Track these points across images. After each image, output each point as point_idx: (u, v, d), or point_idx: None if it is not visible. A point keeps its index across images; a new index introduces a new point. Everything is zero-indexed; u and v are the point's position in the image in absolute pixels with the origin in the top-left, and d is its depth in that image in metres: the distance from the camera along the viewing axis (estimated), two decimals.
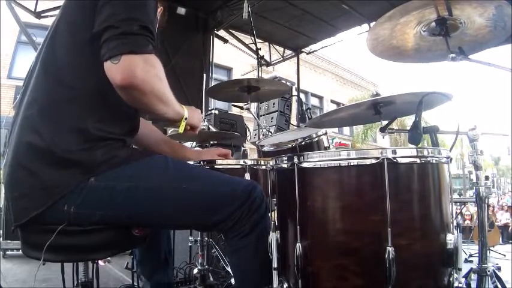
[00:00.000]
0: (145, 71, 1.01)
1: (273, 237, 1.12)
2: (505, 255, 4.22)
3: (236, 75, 12.41)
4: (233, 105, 2.68)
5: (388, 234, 0.93)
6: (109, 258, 1.20)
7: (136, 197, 1.10)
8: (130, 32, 0.99)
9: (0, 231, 3.90)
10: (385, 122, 1.28)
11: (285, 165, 1.14)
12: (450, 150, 1.12)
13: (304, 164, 1.06)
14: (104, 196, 1.06)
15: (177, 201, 1.14)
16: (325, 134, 1.97)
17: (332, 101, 18.68)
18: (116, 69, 0.98)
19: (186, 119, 1.22)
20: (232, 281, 1.82)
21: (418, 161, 1.02)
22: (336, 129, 18.18)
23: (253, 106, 4.02)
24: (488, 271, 1.26)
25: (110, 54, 0.98)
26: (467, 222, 7.39)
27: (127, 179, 1.09)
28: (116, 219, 1.11)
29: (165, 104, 1.12)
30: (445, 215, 1.04)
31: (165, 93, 1.10)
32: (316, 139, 1.91)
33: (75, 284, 1.28)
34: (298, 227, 1.05)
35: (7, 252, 4.02)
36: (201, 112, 1.36)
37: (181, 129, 1.23)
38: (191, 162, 1.58)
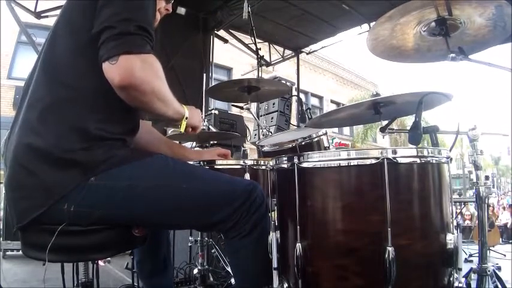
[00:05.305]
0: (144, 71, 1.01)
1: (273, 237, 1.12)
2: (505, 255, 4.21)
3: (236, 75, 12.40)
4: (233, 105, 2.68)
5: (388, 234, 0.93)
6: (109, 258, 1.20)
7: (136, 197, 1.10)
8: (127, 32, 0.99)
9: (0, 232, 3.90)
10: (385, 122, 1.28)
11: (285, 165, 1.14)
12: (450, 150, 1.12)
13: (304, 164, 1.06)
14: (104, 195, 1.06)
15: (177, 201, 1.14)
16: (325, 134, 1.97)
17: (332, 101, 18.65)
18: (114, 70, 0.98)
19: (186, 118, 1.22)
20: (232, 281, 1.82)
21: (418, 161, 1.02)
22: (336, 129, 18.16)
23: (253, 106, 4.02)
24: (488, 271, 1.26)
25: (107, 55, 0.98)
26: (467, 222, 7.38)
27: (127, 178, 1.09)
28: (116, 218, 1.11)
29: (165, 103, 1.12)
30: (445, 215, 1.04)
31: (165, 93, 1.10)
32: (316, 139, 1.91)
33: (75, 284, 1.28)
34: (298, 227, 1.05)
35: (7, 253, 4.02)
36: (201, 112, 1.36)
37: (182, 129, 1.23)
38: (191, 163, 1.58)
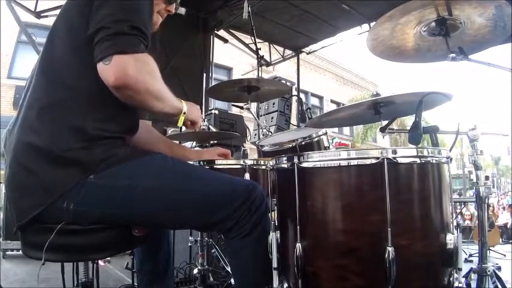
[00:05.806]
0: (138, 70, 1.01)
1: (273, 237, 1.12)
2: (505, 255, 4.21)
3: (236, 75, 12.39)
4: (233, 105, 2.68)
5: (388, 234, 0.93)
6: (109, 258, 1.20)
7: (135, 196, 1.10)
8: (121, 32, 1.00)
9: (1, 232, 3.90)
10: (385, 122, 1.28)
11: (285, 165, 1.14)
12: (450, 150, 1.12)
13: (304, 164, 1.06)
14: (103, 194, 1.07)
15: (176, 200, 1.14)
16: (325, 134, 1.97)
17: (332, 101, 18.65)
18: (108, 70, 0.99)
19: (184, 113, 1.23)
20: (232, 281, 1.81)
21: (418, 161, 1.02)
22: (336, 129, 18.16)
23: (253, 106, 4.01)
24: (488, 271, 1.26)
25: (101, 55, 0.99)
26: (467, 222, 7.38)
27: (126, 177, 1.09)
28: (115, 217, 1.11)
29: (161, 100, 1.12)
30: (445, 215, 1.04)
31: (160, 90, 1.11)
32: (316, 139, 1.91)
33: (75, 284, 1.27)
34: (298, 227, 1.05)
35: (7, 253, 4.02)
36: (201, 112, 1.36)
37: (180, 123, 1.24)
38: (191, 162, 1.58)
